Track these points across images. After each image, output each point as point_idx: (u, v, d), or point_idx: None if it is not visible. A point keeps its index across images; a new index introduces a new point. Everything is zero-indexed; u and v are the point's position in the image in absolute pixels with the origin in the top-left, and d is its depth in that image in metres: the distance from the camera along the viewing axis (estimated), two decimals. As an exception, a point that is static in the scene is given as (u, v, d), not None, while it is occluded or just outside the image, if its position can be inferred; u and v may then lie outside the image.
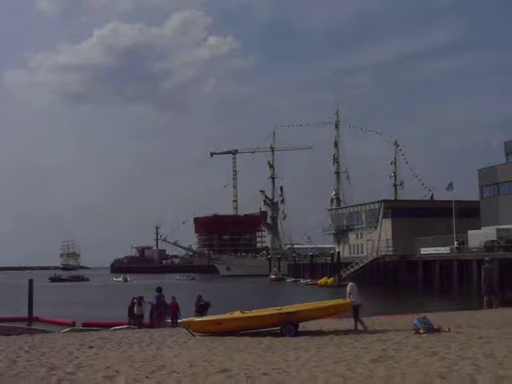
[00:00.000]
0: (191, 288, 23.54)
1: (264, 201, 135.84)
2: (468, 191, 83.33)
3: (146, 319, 24.77)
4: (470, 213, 65.10)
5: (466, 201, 70.01)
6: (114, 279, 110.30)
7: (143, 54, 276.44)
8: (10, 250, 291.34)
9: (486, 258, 24.92)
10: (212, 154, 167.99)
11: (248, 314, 17.22)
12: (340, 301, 17.30)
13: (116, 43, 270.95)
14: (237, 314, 17.23)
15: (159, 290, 24.69)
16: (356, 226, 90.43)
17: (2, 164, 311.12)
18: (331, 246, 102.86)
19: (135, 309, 25.02)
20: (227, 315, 17.45)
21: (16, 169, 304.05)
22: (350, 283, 17.69)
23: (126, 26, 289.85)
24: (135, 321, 24.82)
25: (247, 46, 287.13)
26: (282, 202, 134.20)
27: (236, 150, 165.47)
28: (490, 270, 24.27)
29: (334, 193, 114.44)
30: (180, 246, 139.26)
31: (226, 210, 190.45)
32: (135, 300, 25.27)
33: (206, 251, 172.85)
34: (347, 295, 17.17)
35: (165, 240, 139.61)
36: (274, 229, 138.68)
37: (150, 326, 23.27)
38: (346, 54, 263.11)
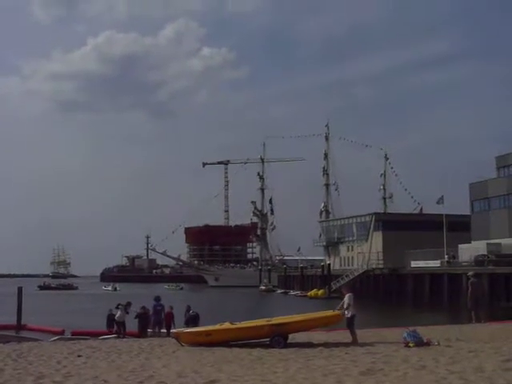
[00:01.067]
0: (179, 298, 23.36)
1: (253, 212, 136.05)
2: (459, 205, 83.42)
3: (130, 328, 24.55)
4: (460, 227, 65.29)
5: (457, 215, 70.24)
6: (104, 288, 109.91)
7: (137, 64, 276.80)
8: (1, 258, 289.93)
9: (470, 273, 24.92)
10: (204, 164, 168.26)
11: (237, 325, 17.16)
12: (330, 312, 17.24)
13: (110, 52, 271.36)
14: (226, 325, 17.17)
15: (157, 299, 24.45)
16: (347, 239, 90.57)
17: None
18: (321, 257, 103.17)
19: (118, 314, 24.52)
20: (217, 326, 17.39)
21: (6, 177, 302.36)
22: (349, 294, 17.23)
23: (121, 35, 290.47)
24: (117, 328, 24.35)
25: (241, 57, 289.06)
26: (272, 213, 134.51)
27: (228, 161, 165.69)
28: (477, 284, 24.28)
29: (322, 205, 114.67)
30: (169, 256, 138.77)
31: (218, 220, 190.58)
32: (120, 306, 24.77)
33: (194, 261, 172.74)
34: (345, 305, 16.71)
35: (153, 249, 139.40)
36: (263, 240, 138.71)
37: (138, 336, 23.03)
38: (338, 65, 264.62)
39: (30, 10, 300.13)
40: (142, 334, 23.66)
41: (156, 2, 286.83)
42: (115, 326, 24.77)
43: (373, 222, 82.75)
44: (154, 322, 23.83)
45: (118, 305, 24.94)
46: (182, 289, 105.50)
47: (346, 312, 16.65)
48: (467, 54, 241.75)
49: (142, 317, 24.00)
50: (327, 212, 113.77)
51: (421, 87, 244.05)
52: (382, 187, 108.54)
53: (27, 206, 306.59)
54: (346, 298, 17.03)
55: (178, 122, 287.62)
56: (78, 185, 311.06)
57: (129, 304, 24.96)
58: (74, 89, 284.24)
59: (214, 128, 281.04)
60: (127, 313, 24.54)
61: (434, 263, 60.69)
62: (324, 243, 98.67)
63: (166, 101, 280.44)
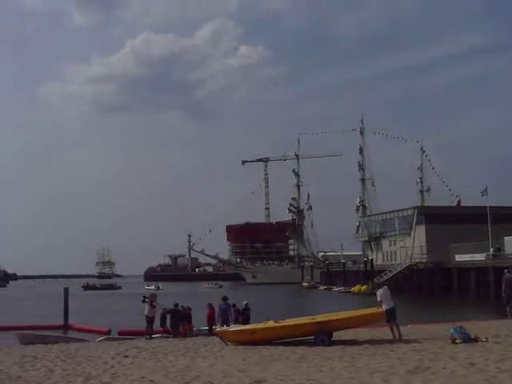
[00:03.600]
0: (218, 295, 23.47)
1: (289, 209, 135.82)
2: (498, 198, 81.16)
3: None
4: (505, 219, 64.04)
5: (501, 206, 68.85)
6: (146, 287, 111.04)
7: (175, 64, 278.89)
8: (51, 260, 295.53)
9: (506, 270, 24.43)
10: (244, 162, 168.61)
11: (282, 323, 17.15)
12: (373, 310, 17.11)
13: (149, 53, 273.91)
14: (270, 323, 17.18)
15: (225, 298, 23.19)
16: (389, 233, 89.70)
17: (41, 176, 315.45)
18: (359, 253, 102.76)
19: (146, 309, 22.85)
20: (261, 325, 17.40)
21: (54, 180, 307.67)
22: (381, 289, 17.44)
23: (158, 36, 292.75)
24: (147, 324, 22.76)
25: (277, 54, 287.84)
26: (309, 209, 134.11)
27: (267, 158, 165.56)
28: (511, 279, 23.87)
29: (359, 200, 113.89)
30: (206, 255, 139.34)
31: (259, 217, 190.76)
32: (147, 299, 23.07)
33: (233, 259, 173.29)
34: (378, 302, 16.97)
35: (191, 248, 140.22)
36: (299, 236, 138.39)
37: (174, 335, 22.59)
38: (373, 61, 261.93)
39: (69, 16, 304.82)
40: (173, 331, 23.05)
41: (192, 3, 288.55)
42: (167, 323, 23.68)
43: (415, 216, 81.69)
44: (222, 321, 22.91)
45: (145, 298, 23.38)
46: (221, 287, 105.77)
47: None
48: (503, 46, 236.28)
49: (174, 314, 23.42)
50: (364, 207, 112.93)
51: (457, 80, 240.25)
52: (419, 180, 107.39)
53: (72, 208, 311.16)
54: (378, 294, 17.06)
55: (216, 121, 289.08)
56: (121, 186, 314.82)
57: (154, 297, 23.68)
58: (113, 91, 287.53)
59: (252, 126, 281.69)
60: (153, 306, 23.03)
61: (480, 256, 59.63)
62: (366, 238, 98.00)
63: (205, 100, 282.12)
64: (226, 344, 16.66)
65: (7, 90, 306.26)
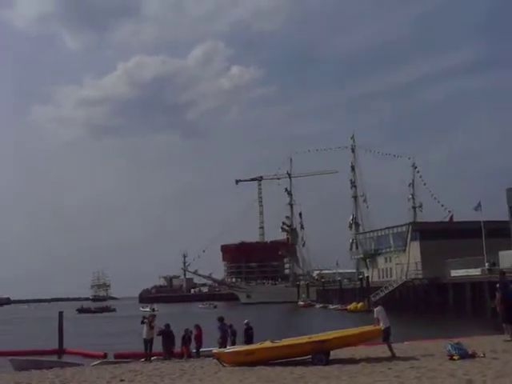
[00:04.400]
0: (213, 316, 23.21)
1: (282, 227, 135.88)
2: (490, 212, 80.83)
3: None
4: (498, 233, 64.02)
5: (494, 221, 68.91)
6: (141, 309, 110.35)
7: (167, 85, 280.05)
8: (45, 284, 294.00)
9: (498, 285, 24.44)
10: (237, 182, 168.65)
11: (278, 343, 17.05)
12: (370, 327, 17.07)
13: (140, 75, 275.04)
14: (267, 343, 17.07)
15: (221, 319, 22.91)
16: (384, 250, 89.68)
17: (33, 200, 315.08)
18: (354, 270, 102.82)
19: (144, 331, 22.04)
20: (257, 345, 17.29)
21: (45, 205, 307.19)
22: (377, 308, 17.44)
23: (150, 58, 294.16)
24: (145, 347, 21.94)
25: (269, 74, 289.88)
26: (302, 228, 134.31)
27: (261, 177, 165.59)
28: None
29: (351, 217, 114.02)
30: (200, 275, 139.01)
31: (253, 237, 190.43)
32: (146, 320, 22.30)
33: (228, 279, 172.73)
34: (375, 319, 16.96)
35: (185, 269, 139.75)
36: (293, 255, 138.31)
37: (164, 356, 22.04)
38: (364, 80, 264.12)
39: (61, 39, 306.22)
40: (165, 353, 22.46)
41: (183, 25, 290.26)
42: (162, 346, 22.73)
43: (410, 232, 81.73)
44: (221, 342, 22.66)
45: (143, 319, 22.74)
46: (215, 307, 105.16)
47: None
48: (493, 62, 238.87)
49: (166, 334, 22.72)
50: (356, 224, 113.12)
51: (448, 96, 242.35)
52: (411, 196, 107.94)
53: (66, 232, 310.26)
54: (375, 313, 17.05)
55: (209, 141, 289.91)
56: (114, 208, 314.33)
57: (153, 317, 22.90)
58: (106, 113, 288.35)
59: (245, 145, 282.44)
60: (152, 327, 22.20)
61: (475, 271, 59.58)
62: (361, 255, 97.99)
63: (197, 121, 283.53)
64: (223, 365, 16.53)
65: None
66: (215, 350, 19.24)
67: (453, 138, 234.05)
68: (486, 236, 60.53)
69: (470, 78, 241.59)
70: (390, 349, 16.73)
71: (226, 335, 22.43)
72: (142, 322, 22.40)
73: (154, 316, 22.83)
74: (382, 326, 16.59)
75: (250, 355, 16.73)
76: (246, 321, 23.64)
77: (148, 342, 22.07)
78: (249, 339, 22.17)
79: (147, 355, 22.21)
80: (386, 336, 16.73)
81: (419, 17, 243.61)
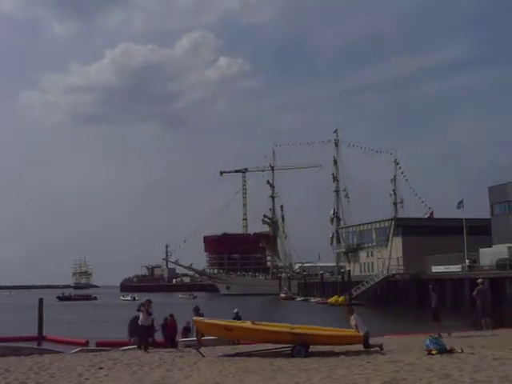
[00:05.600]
0: (191, 306, 22.98)
1: (263, 220, 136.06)
2: (472, 209, 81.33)
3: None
4: (480, 231, 64.64)
5: (476, 219, 69.54)
6: (122, 298, 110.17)
7: (154, 75, 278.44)
8: (27, 270, 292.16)
9: (479, 281, 24.71)
10: (222, 173, 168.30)
11: (259, 325, 17.04)
12: (355, 332, 16.70)
13: (128, 64, 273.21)
14: (248, 323, 17.06)
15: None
16: (367, 244, 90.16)
17: (15, 186, 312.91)
18: (333, 264, 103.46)
19: (141, 318, 20.22)
20: (238, 323, 17.28)
21: (28, 189, 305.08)
22: (353, 315, 17.16)
23: (138, 46, 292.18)
24: (140, 335, 20.53)
25: (257, 66, 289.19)
26: (283, 220, 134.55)
27: (246, 169, 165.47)
28: (484, 292, 24.19)
29: (332, 211, 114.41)
30: (180, 265, 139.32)
31: (236, 228, 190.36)
32: (142, 307, 20.41)
33: (210, 270, 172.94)
34: (353, 327, 16.78)
35: (167, 259, 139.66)
36: (273, 248, 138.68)
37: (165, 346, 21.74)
38: (351, 74, 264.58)
39: (48, 25, 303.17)
40: (166, 343, 22.37)
41: (172, 15, 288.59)
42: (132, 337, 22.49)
43: (392, 227, 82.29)
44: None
45: (140, 306, 20.89)
46: (195, 297, 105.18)
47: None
48: (480, 60, 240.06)
49: (167, 325, 22.92)
50: (338, 218, 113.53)
51: (433, 94, 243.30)
52: (392, 192, 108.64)
53: (47, 218, 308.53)
54: (352, 320, 16.92)
55: (194, 132, 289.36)
56: (98, 197, 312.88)
57: (150, 303, 20.93)
58: (92, 101, 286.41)
59: (231, 137, 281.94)
60: (150, 314, 20.43)
61: (456, 268, 60.10)
62: (343, 249, 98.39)
63: (184, 111, 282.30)
64: (203, 356, 16.53)
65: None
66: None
67: (438, 136, 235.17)
68: (467, 233, 61.09)
69: (458, 75, 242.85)
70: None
71: None
72: (139, 310, 20.84)
73: (150, 302, 21.16)
74: (361, 332, 16.49)
75: (228, 331, 16.76)
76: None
77: (145, 329, 20.37)
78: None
79: (144, 343, 20.14)
80: (366, 342, 16.59)
81: (408, 12, 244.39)
